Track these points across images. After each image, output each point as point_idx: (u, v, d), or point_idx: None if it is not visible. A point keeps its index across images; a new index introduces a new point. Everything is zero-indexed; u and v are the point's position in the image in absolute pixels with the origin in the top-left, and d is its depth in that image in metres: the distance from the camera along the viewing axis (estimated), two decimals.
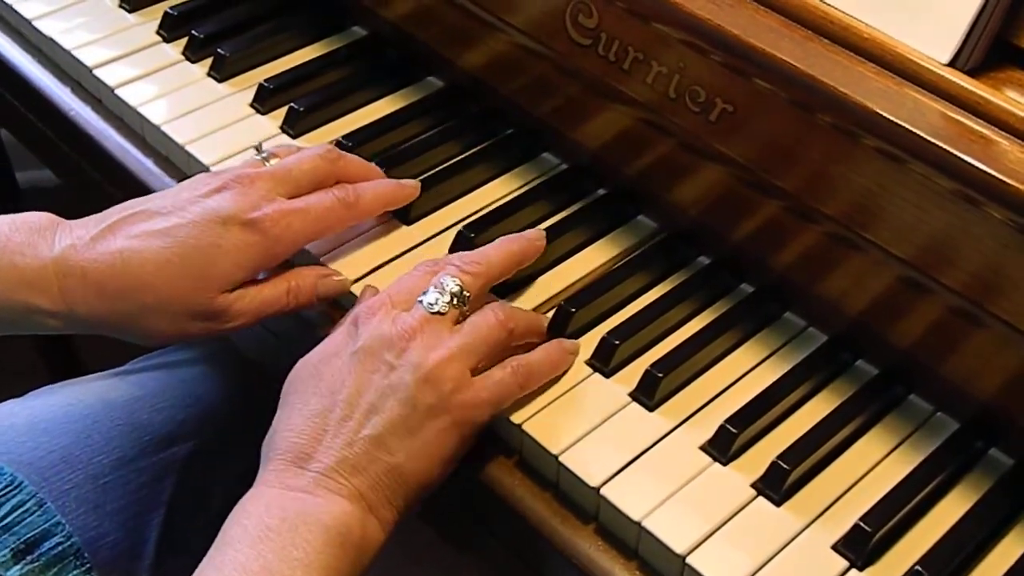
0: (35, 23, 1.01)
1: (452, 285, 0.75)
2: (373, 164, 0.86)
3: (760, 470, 0.72)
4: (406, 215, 0.86)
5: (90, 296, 0.75)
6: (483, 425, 0.73)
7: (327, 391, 0.71)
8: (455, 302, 0.74)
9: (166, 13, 1.01)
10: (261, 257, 0.77)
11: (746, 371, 0.79)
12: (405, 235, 0.86)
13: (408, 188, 0.86)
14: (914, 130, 0.68)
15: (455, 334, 0.73)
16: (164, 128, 0.92)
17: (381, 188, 0.84)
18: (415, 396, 0.70)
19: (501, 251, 0.79)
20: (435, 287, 0.74)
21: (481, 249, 0.79)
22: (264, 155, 0.83)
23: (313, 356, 0.74)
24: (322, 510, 0.68)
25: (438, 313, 0.73)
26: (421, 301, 0.74)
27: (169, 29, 1.00)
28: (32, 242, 0.76)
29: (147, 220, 0.76)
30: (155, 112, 0.94)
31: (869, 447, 0.75)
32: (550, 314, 0.81)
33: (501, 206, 0.88)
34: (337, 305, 0.82)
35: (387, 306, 0.74)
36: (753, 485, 0.72)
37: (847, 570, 0.69)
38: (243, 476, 0.73)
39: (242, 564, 0.65)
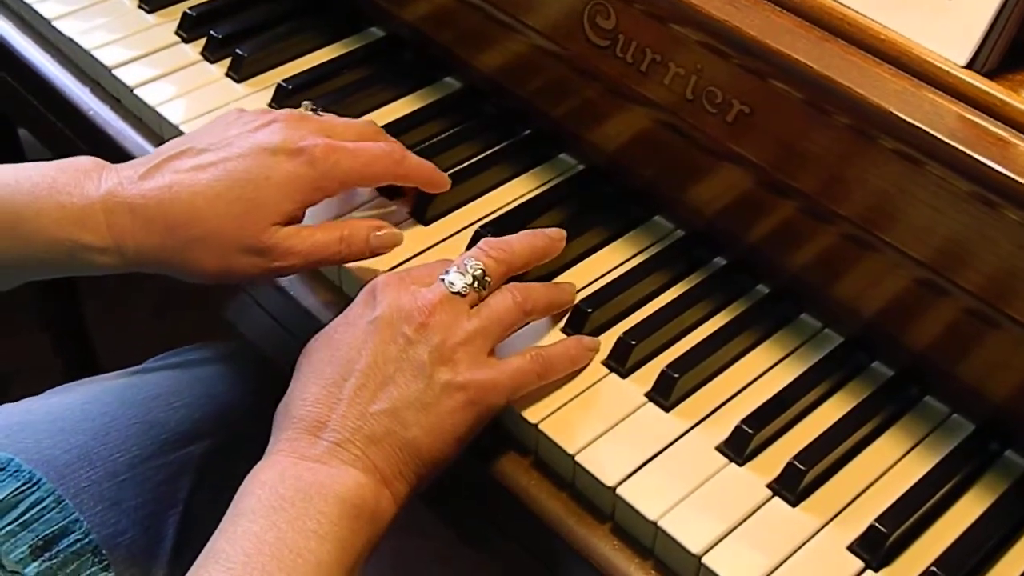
0: (55, 23, 1.01)
1: (475, 268, 0.74)
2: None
3: (776, 471, 0.73)
4: (423, 215, 0.87)
5: (138, 231, 0.75)
6: (498, 409, 0.73)
7: (343, 360, 0.71)
8: (476, 285, 0.74)
9: (185, 14, 1.01)
10: (309, 189, 0.77)
11: (762, 372, 0.79)
12: (422, 234, 0.86)
13: (444, 179, 0.86)
14: (931, 132, 0.68)
15: (473, 317, 0.73)
16: (183, 128, 0.92)
17: (424, 161, 0.85)
18: (431, 374, 0.70)
19: (524, 242, 0.79)
20: (457, 267, 0.74)
21: (506, 238, 0.79)
22: (313, 108, 0.84)
23: (328, 328, 0.74)
24: (337, 481, 0.67)
25: (458, 294, 0.73)
26: (443, 279, 0.74)
27: (188, 29, 1.01)
28: (79, 182, 0.76)
29: (196, 156, 0.77)
30: (174, 112, 0.94)
31: (885, 448, 0.75)
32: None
33: (518, 207, 0.88)
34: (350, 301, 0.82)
35: (406, 280, 0.74)
36: (769, 485, 0.72)
37: (863, 571, 0.69)
38: None
39: (256, 534, 0.64)
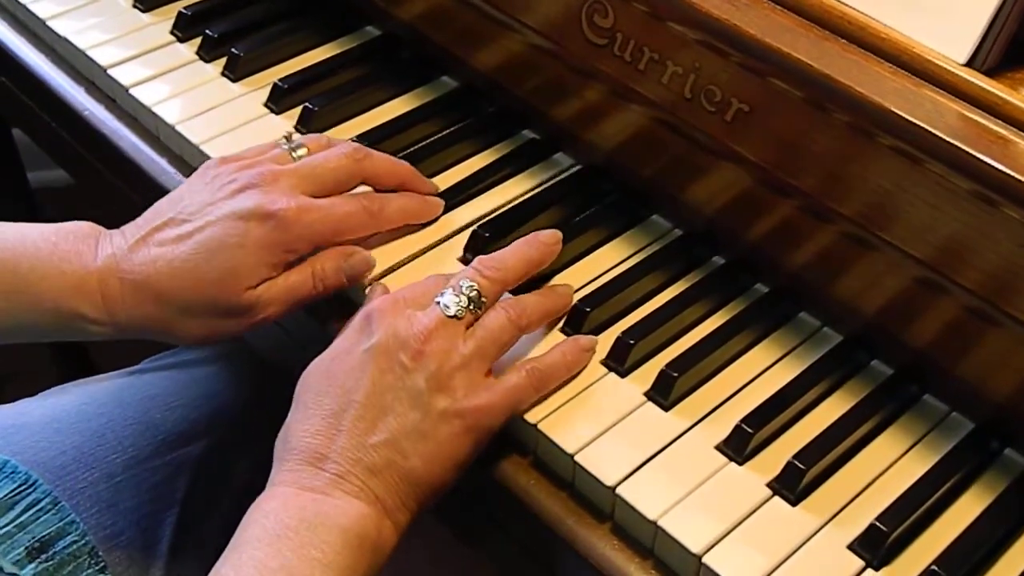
0: (49, 23, 1.01)
1: (470, 289, 0.74)
2: (401, 161, 0.86)
3: (776, 470, 0.72)
4: None
5: (128, 304, 0.77)
6: (497, 430, 0.73)
7: (340, 390, 0.71)
8: (471, 307, 0.74)
9: (180, 13, 1.01)
10: (283, 252, 0.77)
11: (761, 371, 0.79)
12: (420, 236, 0.86)
13: (433, 206, 0.86)
14: (931, 130, 0.68)
15: (469, 339, 0.73)
16: (178, 127, 0.92)
17: (406, 202, 0.85)
18: (428, 402, 0.71)
19: (518, 255, 0.79)
20: (452, 289, 0.74)
21: (499, 254, 0.79)
22: (292, 145, 0.83)
23: (325, 356, 0.74)
24: (340, 512, 0.68)
25: (454, 317, 0.73)
26: (438, 302, 0.74)
27: (183, 29, 1.01)
28: (78, 250, 0.78)
29: (177, 226, 0.78)
30: (169, 112, 0.94)
31: (884, 447, 0.75)
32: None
33: (516, 206, 0.88)
34: (348, 303, 0.82)
35: (400, 304, 0.74)
36: (769, 485, 0.72)
37: (863, 570, 0.69)
38: (257, 474, 0.73)
39: (261, 562, 0.65)
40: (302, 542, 0.66)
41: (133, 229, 0.79)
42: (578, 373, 0.77)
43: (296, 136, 0.86)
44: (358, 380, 0.71)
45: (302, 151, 0.83)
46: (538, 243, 0.81)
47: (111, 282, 0.77)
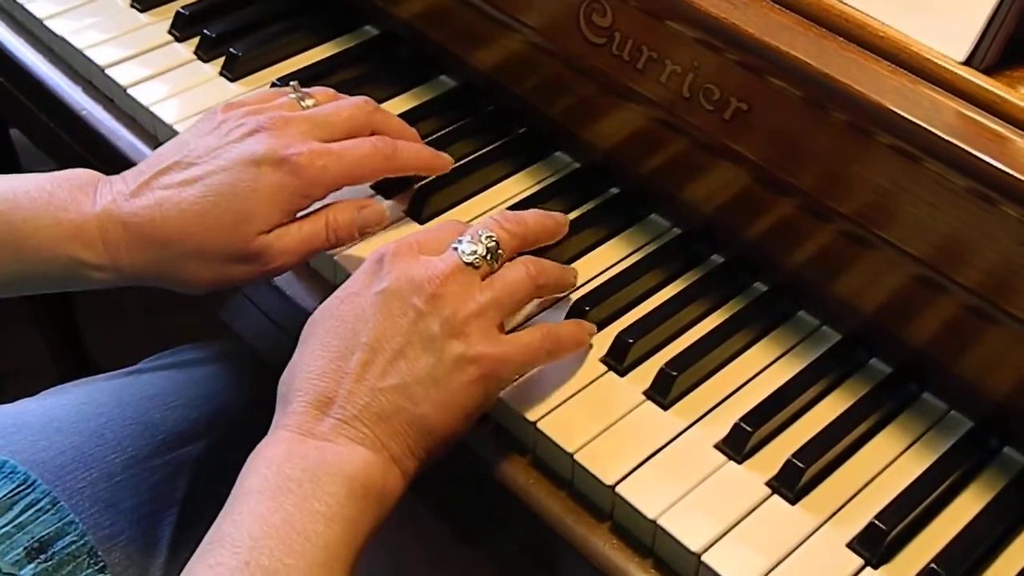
0: (47, 23, 1.01)
1: (488, 239, 0.73)
2: (408, 125, 0.86)
3: (775, 468, 0.72)
4: (419, 213, 0.87)
5: (132, 248, 0.76)
6: (508, 382, 0.72)
7: (349, 332, 0.69)
8: (488, 257, 0.73)
9: (178, 12, 1.01)
10: (296, 197, 0.77)
11: (760, 369, 0.79)
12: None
13: (444, 159, 0.85)
14: (930, 128, 0.68)
15: (485, 288, 0.72)
16: (177, 127, 0.92)
17: (419, 148, 0.84)
18: (442, 347, 0.69)
19: (537, 218, 0.79)
20: (471, 236, 0.73)
21: (518, 212, 0.78)
22: (300, 94, 0.83)
23: (335, 297, 0.72)
24: (344, 460, 0.66)
25: (470, 265, 0.72)
26: (456, 248, 0.72)
27: (181, 28, 1.01)
28: (75, 198, 0.77)
29: (183, 170, 0.77)
30: (167, 111, 0.94)
31: (883, 445, 0.75)
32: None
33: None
34: None
35: (415, 248, 0.73)
36: (768, 483, 0.72)
37: (862, 568, 0.69)
38: None
39: (262, 516, 0.63)
40: (304, 494, 0.64)
41: (135, 174, 0.78)
42: (577, 370, 0.77)
43: (304, 90, 0.85)
44: (368, 322, 0.69)
45: (310, 101, 0.82)
46: (552, 216, 0.81)
47: (113, 227, 0.76)
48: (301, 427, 0.67)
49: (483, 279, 0.72)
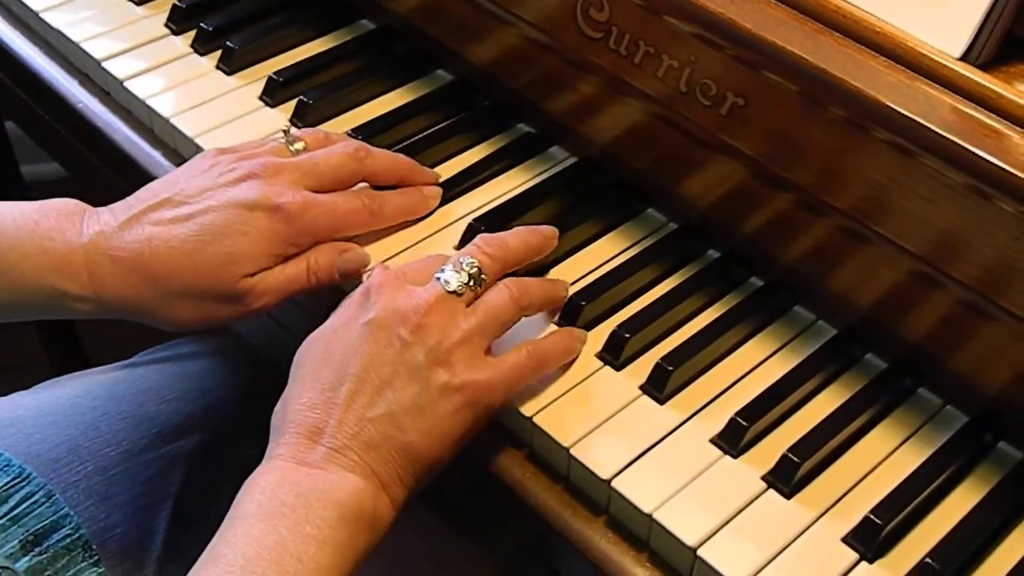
0: (43, 15, 1.01)
1: (471, 266, 0.74)
2: (401, 156, 0.87)
3: (770, 463, 0.73)
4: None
5: (118, 282, 0.76)
6: (496, 408, 0.73)
7: (338, 363, 0.71)
8: (471, 284, 0.74)
9: (174, 6, 1.01)
10: (286, 244, 0.78)
11: (756, 364, 0.79)
12: (416, 228, 0.86)
13: (431, 198, 0.86)
14: (926, 124, 0.68)
15: (469, 315, 0.73)
16: (173, 121, 0.92)
17: (405, 200, 0.85)
18: (427, 376, 0.70)
19: (519, 238, 0.79)
20: (453, 265, 0.74)
21: (500, 234, 0.79)
22: (289, 139, 0.83)
23: (323, 329, 0.74)
24: (336, 487, 0.67)
25: (454, 293, 0.73)
26: (439, 278, 0.73)
27: (177, 22, 1.00)
28: (61, 227, 0.77)
29: (175, 207, 0.77)
30: (164, 105, 0.94)
31: (879, 440, 0.75)
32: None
33: (511, 200, 0.88)
34: (345, 296, 0.82)
35: (401, 279, 0.74)
36: (763, 478, 0.72)
37: (857, 562, 0.69)
38: (251, 468, 0.72)
39: (255, 538, 0.64)
40: (297, 518, 0.65)
41: (123, 207, 0.79)
42: (573, 365, 0.77)
43: (293, 131, 0.86)
44: (356, 354, 0.71)
45: (299, 145, 0.83)
46: (538, 232, 0.81)
47: (100, 259, 0.76)
48: (294, 456, 0.69)
49: (468, 305, 0.74)
